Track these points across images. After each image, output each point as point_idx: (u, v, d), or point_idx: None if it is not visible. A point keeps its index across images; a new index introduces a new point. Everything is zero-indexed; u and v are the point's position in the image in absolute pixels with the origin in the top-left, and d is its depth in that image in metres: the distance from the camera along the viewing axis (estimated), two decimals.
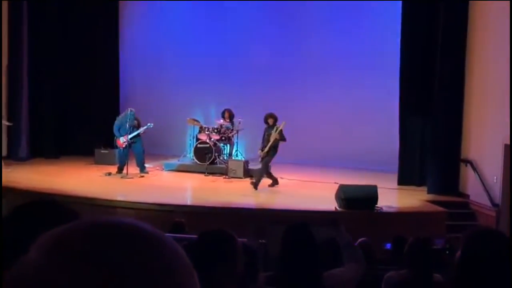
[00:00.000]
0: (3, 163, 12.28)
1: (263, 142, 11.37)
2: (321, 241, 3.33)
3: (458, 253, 1.87)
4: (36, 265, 0.68)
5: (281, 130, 11.09)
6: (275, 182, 11.45)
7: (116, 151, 12.43)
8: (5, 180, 10.79)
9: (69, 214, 1.39)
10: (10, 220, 1.38)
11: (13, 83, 13.35)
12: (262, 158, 11.21)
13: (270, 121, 11.31)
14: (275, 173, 11.54)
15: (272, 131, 11.14)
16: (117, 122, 12.15)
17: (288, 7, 14.43)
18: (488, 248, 1.81)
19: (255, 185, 11.11)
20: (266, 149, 11.12)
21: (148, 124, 12.00)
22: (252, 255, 3.09)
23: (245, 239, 4.38)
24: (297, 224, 3.11)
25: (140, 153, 12.14)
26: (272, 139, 11.08)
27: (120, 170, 11.96)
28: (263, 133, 11.48)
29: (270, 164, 11.40)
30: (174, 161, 13.15)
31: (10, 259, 1.28)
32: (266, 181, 11.47)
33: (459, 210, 10.53)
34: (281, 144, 11.26)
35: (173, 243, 0.74)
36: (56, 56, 13.98)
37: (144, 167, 12.22)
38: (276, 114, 11.43)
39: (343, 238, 3.53)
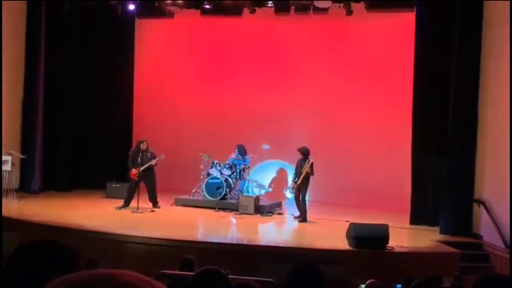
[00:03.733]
0: (15, 196, 12.39)
1: (295, 173, 11.76)
2: (329, 280, 3.27)
3: None
4: None
5: (312, 163, 11.44)
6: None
7: (128, 184, 12.44)
8: (17, 213, 10.87)
9: (70, 254, 1.41)
10: (11, 260, 1.40)
11: (28, 116, 13.52)
12: (295, 190, 11.59)
13: (302, 154, 11.66)
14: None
15: (305, 164, 11.47)
16: (131, 154, 12.23)
17: (302, 45, 14.64)
18: None
19: (305, 219, 11.50)
20: (299, 181, 11.48)
21: (160, 155, 12.07)
22: None
23: (248, 278, 4.35)
24: (305, 264, 3.06)
25: (152, 187, 12.18)
26: (304, 172, 11.41)
27: (126, 203, 11.95)
28: (296, 165, 11.83)
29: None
30: (185, 196, 13.16)
31: None
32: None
33: (473, 252, 10.35)
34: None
35: None
36: (71, 90, 14.17)
37: (157, 202, 12.25)
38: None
39: None
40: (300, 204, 11.63)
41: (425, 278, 3.67)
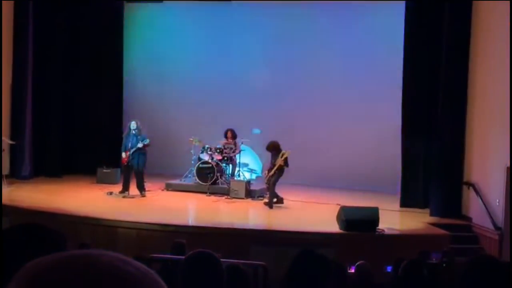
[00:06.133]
0: (5, 182, 12.32)
1: (271, 166, 11.54)
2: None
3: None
4: None
5: (286, 158, 11.29)
6: (279, 201, 11.50)
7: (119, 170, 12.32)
8: (8, 199, 10.82)
9: (55, 237, 1.40)
10: None
11: (17, 101, 13.42)
12: (268, 180, 11.43)
13: (274, 151, 11.49)
14: (279, 193, 11.56)
15: (278, 158, 11.34)
16: (124, 138, 12.05)
17: (290, 31, 14.56)
18: (486, 277, 1.80)
19: (270, 205, 11.34)
20: (272, 172, 11.35)
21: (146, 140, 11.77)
22: (245, 278, 3.08)
23: (239, 262, 4.37)
24: (309, 250, 2.97)
25: (139, 174, 11.79)
26: (277, 165, 11.30)
27: (125, 189, 11.81)
28: (270, 159, 11.64)
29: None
30: (176, 181, 13.15)
31: None
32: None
33: (462, 233, 10.47)
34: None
35: (156, 284, 0.75)
36: (60, 75, 14.06)
37: (143, 190, 11.89)
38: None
39: None
40: (270, 188, 11.43)
41: (412, 262, 3.70)
